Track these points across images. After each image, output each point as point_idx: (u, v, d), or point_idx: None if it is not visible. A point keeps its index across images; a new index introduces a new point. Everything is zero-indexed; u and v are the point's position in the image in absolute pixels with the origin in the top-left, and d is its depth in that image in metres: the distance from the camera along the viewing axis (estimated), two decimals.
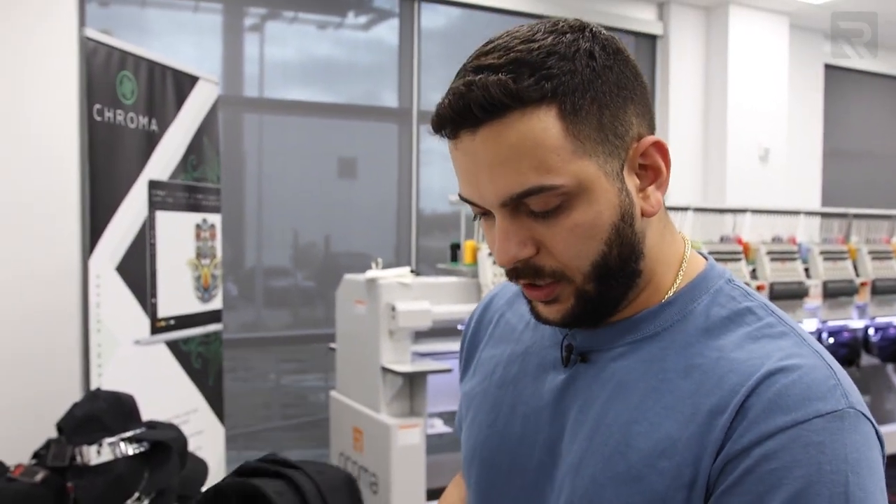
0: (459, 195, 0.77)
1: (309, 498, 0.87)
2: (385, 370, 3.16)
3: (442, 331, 3.64)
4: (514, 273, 0.77)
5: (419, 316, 3.16)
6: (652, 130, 0.77)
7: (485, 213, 0.77)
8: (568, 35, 0.72)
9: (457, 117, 0.71)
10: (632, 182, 0.75)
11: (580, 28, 0.74)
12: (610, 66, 0.73)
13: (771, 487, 0.66)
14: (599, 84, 0.72)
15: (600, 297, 0.76)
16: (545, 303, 0.78)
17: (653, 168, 0.76)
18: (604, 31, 0.75)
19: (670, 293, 0.79)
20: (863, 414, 0.70)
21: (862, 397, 0.73)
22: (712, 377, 0.73)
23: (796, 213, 4.66)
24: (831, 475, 0.66)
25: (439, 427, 3.40)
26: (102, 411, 2.46)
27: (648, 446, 0.73)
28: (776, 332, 0.74)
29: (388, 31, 4.67)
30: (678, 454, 0.71)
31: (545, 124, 0.70)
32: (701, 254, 0.85)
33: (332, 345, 3.73)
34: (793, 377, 0.69)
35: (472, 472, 0.91)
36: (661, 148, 0.76)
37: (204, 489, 2.45)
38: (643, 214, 0.76)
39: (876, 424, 0.72)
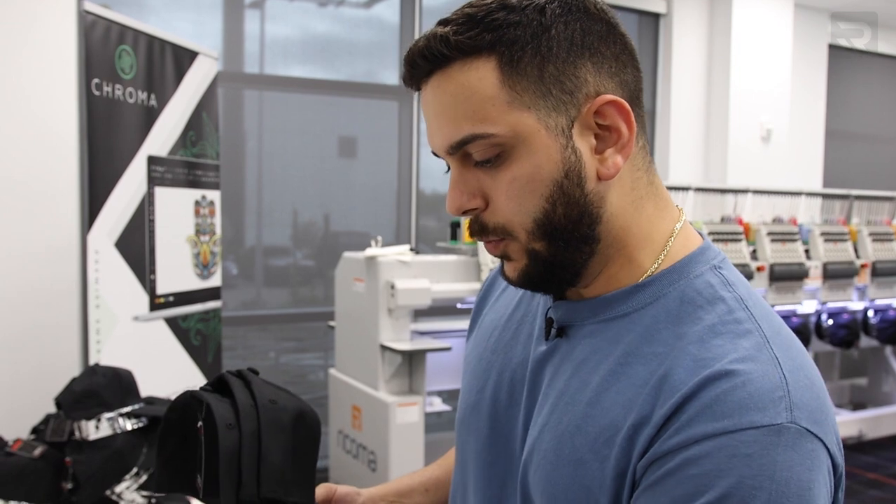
0: (431, 150, 0.80)
1: (243, 438, 0.86)
2: (384, 348, 3.16)
3: (441, 309, 3.64)
4: (470, 229, 0.79)
5: (418, 294, 3.15)
6: (627, 95, 0.74)
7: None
8: None
9: (410, 69, 0.76)
10: (585, 141, 0.73)
11: None
12: (564, 21, 0.72)
13: (689, 493, 0.64)
14: (545, 37, 0.71)
15: (553, 257, 0.75)
16: (506, 260, 0.79)
17: (613, 129, 0.73)
18: None
19: (649, 272, 0.77)
20: (809, 431, 0.65)
21: (827, 414, 0.68)
22: (664, 368, 0.70)
23: (797, 193, 4.65)
24: (752, 490, 0.62)
25: (438, 405, 3.41)
26: (101, 386, 2.47)
27: (595, 431, 0.72)
28: (741, 330, 0.71)
29: (388, 9, 4.63)
30: (618, 443, 0.70)
31: (482, 74, 0.71)
32: (701, 234, 0.83)
33: (332, 323, 3.73)
34: (735, 383, 0.66)
35: (461, 433, 0.92)
36: (620, 108, 0.73)
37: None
38: (599, 177, 0.74)
39: (830, 444, 0.67)
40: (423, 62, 0.74)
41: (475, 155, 0.74)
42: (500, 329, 0.92)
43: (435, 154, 0.79)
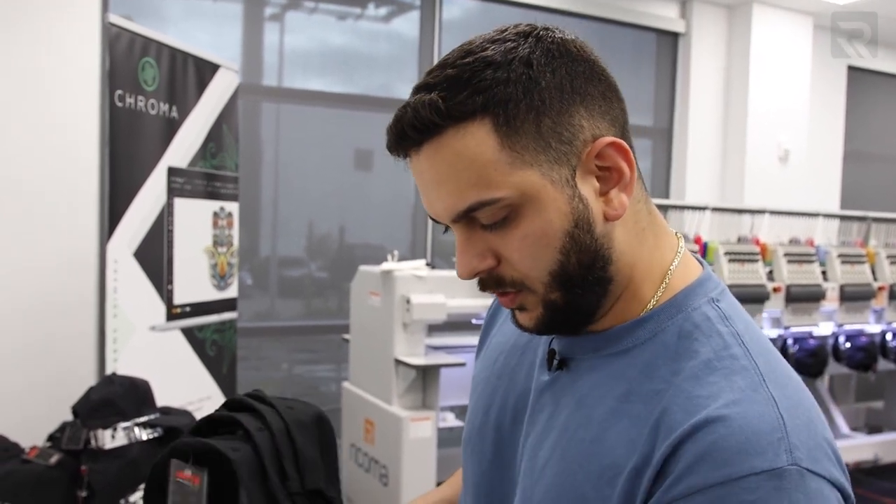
0: (427, 214, 0.78)
1: (276, 436, 0.88)
2: (398, 362, 3.16)
3: (456, 325, 3.64)
4: (481, 284, 0.77)
5: (434, 309, 3.15)
6: (618, 131, 0.74)
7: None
8: (509, 43, 0.71)
9: (398, 140, 0.73)
10: (589, 186, 0.73)
11: (525, 34, 0.72)
12: (552, 70, 0.70)
13: None
14: (536, 91, 0.70)
15: (569, 305, 0.75)
16: (519, 311, 0.78)
17: (615, 169, 0.73)
18: (556, 33, 0.73)
19: (649, 306, 0.77)
20: (810, 471, 0.64)
21: (827, 448, 0.67)
22: (661, 406, 0.70)
23: (815, 215, 4.63)
24: None
25: (451, 420, 3.41)
26: (118, 396, 2.48)
27: (598, 470, 0.72)
28: (737, 366, 0.70)
29: (407, 24, 4.66)
30: (620, 484, 0.69)
31: (479, 139, 0.69)
32: (700, 261, 0.82)
33: (346, 336, 3.73)
34: (732, 428, 0.65)
35: (465, 456, 0.92)
36: (619, 148, 0.73)
37: None
38: (607, 219, 0.73)
39: (835, 479, 0.66)
40: (414, 133, 0.71)
41: (482, 219, 0.72)
42: (505, 353, 0.92)
43: (433, 220, 0.77)
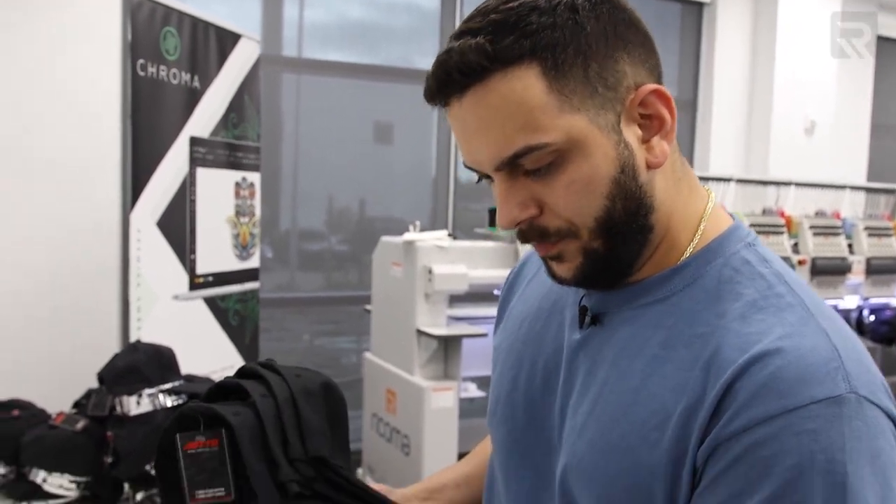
0: (464, 163, 0.77)
1: (280, 402, 0.88)
2: (420, 333, 3.16)
3: (478, 295, 3.63)
4: (521, 235, 0.76)
5: (456, 279, 3.15)
6: (656, 79, 0.74)
7: (488, 177, 0.76)
8: None
9: (441, 85, 0.72)
10: (632, 133, 0.73)
11: None
12: (596, 15, 0.70)
13: (761, 475, 0.63)
14: (583, 36, 0.69)
15: (610, 253, 0.74)
16: (557, 261, 0.77)
17: (656, 117, 0.73)
18: None
19: (685, 255, 0.76)
20: (868, 399, 0.65)
21: (879, 380, 0.68)
22: (709, 348, 0.70)
23: (841, 187, 4.57)
24: (826, 464, 0.62)
25: (473, 391, 3.41)
26: (142, 363, 2.49)
27: (643, 417, 0.71)
28: (783, 304, 0.70)
29: None
30: (670, 428, 0.69)
31: (527, 82, 0.69)
32: (731, 214, 0.82)
33: (368, 306, 3.74)
34: (788, 359, 0.65)
35: (494, 425, 0.91)
36: (662, 96, 0.73)
37: None
38: (648, 166, 0.73)
39: (889, 410, 0.67)
40: (460, 77, 0.70)
41: (527, 164, 0.72)
42: (530, 319, 0.91)
43: (471, 168, 0.76)
